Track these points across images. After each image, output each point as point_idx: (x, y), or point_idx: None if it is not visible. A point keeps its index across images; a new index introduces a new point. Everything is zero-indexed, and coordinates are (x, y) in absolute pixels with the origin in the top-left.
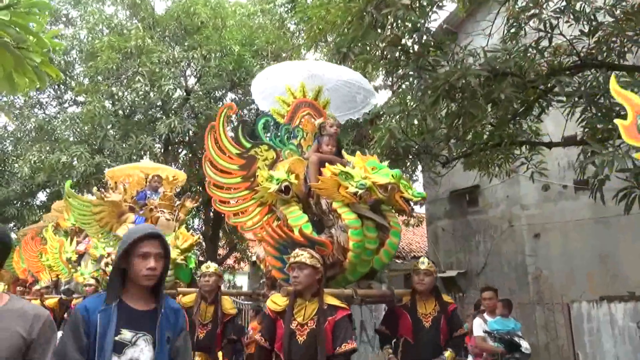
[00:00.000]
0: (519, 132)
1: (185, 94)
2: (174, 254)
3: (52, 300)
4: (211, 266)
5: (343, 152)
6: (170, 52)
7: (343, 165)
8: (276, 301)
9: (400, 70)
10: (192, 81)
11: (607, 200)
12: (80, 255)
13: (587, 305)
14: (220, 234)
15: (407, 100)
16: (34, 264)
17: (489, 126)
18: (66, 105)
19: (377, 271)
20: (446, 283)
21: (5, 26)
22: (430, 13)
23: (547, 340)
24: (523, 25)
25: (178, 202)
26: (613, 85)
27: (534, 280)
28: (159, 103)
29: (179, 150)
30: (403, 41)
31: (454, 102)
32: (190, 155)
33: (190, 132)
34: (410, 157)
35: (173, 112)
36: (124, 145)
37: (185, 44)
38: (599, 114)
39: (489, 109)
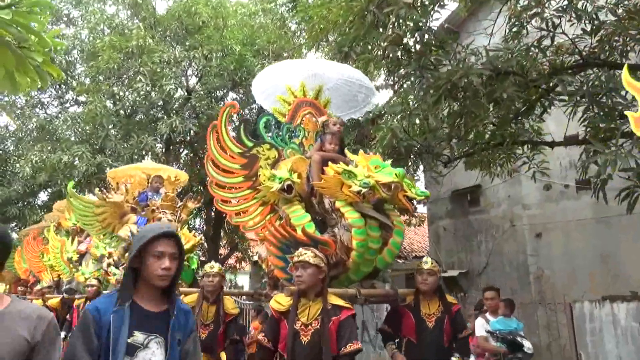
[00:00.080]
0: (521, 131)
1: (186, 93)
2: None
3: (54, 300)
4: (215, 266)
5: (346, 150)
6: (172, 52)
7: (346, 164)
8: (280, 301)
9: (402, 70)
10: (193, 81)
11: (609, 200)
12: (82, 255)
13: (589, 305)
14: (222, 234)
15: (409, 100)
16: (36, 264)
17: (491, 126)
18: (67, 105)
19: (380, 270)
20: (447, 283)
21: (7, 25)
22: (432, 12)
23: (549, 340)
24: (525, 24)
25: (180, 203)
26: (625, 76)
27: (535, 280)
28: (160, 103)
29: (181, 150)
30: (405, 40)
31: (456, 102)
32: (191, 155)
33: (192, 131)
34: (412, 156)
35: (174, 111)
36: (125, 145)
37: (187, 43)
38: (602, 113)
39: (491, 109)
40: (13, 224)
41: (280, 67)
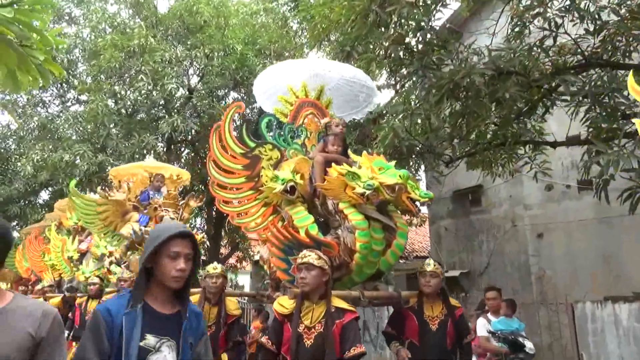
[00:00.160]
0: (523, 131)
1: (187, 92)
2: None
3: (55, 300)
4: (218, 267)
5: (349, 152)
6: (173, 51)
7: (349, 165)
8: (283, 304)
9: (404, 69)
10: (194, 80)
11: (611, 201)
12: (82, 254)
13: (591, 306)
14: (223, 233)
15: (411, 99)
16: (37, 264)
17: (493, 125)
18: (69, 104)
19: (383, 272)
20: (449, 283)
21: (9, 23)
22: (434, 11)
23: (551, 340)
24: (527, 24)
25: (182, 202)
26: (631, 82)
27: (537, 281)
28: (162, 102)
29: (182, 149)
30: (407, 40)
31: (458, 101)
32: (192, 154)
33: (193, 131)
34: (414, 156)
35: (176, 111)
36: (126, 144)
37: (188, 42)
38: (604, 114)
39: (493, 109)
40: (14, 223)
41: (281, 67)
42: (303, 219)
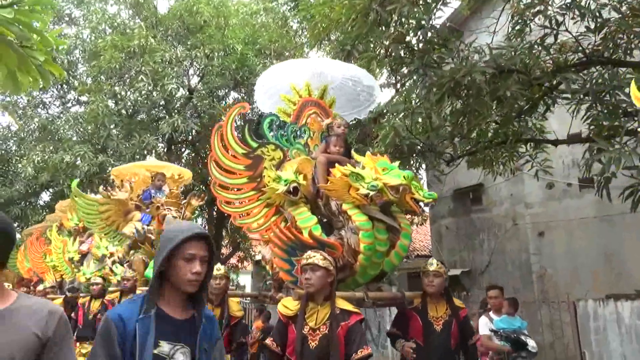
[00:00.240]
0: (524, 129)
1: (188, 93)
2: None
3: (56, 301)
4: (221, 268)
5: (353, 152)
6: (173, 51)
7: (352, 166)
8: (287, 305)
9: (404, 68)
10: (195, 80)
11: (612, 198)
12: (83, 255)
13: (593, 304)
14: (224, 233)
15: (412, 98)
16: (39, 265)
17: (494, 124)
18: (69, 105)
19: (387, 273)
20: (450, 282)
21: (9, 24)
22: (435, 10)
23: (553, 338)
24: (528, 22)
25: (184, 200)
26: (634, 91)
27: (538, 279)
28: (162, 102)
29: (182, 150)
30: (407, 38)
31: (459, 100)
32: (193, 154)
33: (194, 131)
34: (415, 155)
35: (176, 111)
36: (127, 145)
37: (188, 43)
38: (605, 111)
39: (494, 107)
40: (15, 224)
41: (284, 66)
42: (306, 220)
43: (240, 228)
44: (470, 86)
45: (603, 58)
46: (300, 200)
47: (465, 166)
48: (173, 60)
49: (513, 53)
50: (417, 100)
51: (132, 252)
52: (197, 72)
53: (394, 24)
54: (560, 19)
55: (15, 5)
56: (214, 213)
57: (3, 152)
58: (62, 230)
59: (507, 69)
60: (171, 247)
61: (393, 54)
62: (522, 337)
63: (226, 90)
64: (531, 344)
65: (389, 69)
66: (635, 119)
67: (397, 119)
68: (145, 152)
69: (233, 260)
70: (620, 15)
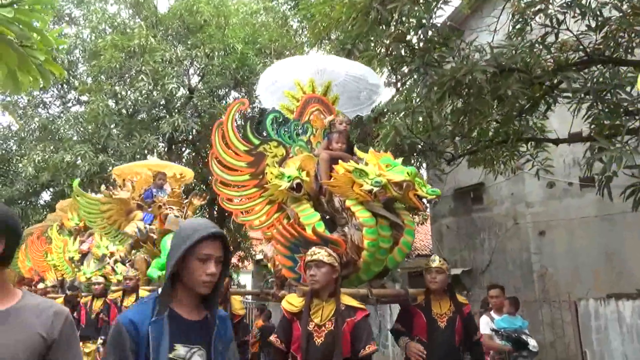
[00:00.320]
0: (525, 128)
1: (188, 92)
2: None
3: (57, 300)
4: None
5: (355, 149)
6: (174, 51)
7: (355, 163)
8: (292, 302)
9: (405, 67)
10: (195, 80)
11: (614, 197)
12: (84, 255)
13: (594, 303)
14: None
15: (412, 97)
16: (40, 264)
17: (495, 123)
18: (70, 104)
19: (390, 270)
20: (451, 281)
21: (9, 23)
22: (435, 9)
23: (554, 338)
24: (529, 20)
25: (186, 200)
26: None
27: (539, 278)
28: (163, 102)
29: (183, 149)
30: (408, 37)
31: (460, 99)
32: (193, 154)
33: (194, 130)
34: (415, 154)
35: (176, 110)
36: (127, 144)
37: (189, 42)
38: (606, 110)
39: (495, 106)
40: None
41: (288, 63)
42: (309, 217)
43: (241, 227)
44: (471, 85)
45: (604, 57)
46: (303, 197)
47: (466, 165)
48: (173, 60)
49: (514, 52)
50: (418, 99)
51: (134, 251)
52: (198, 72)
53: (394, 23)
54: (561, 17)
55: (15, 5)
56: (215, 212)
57: (4, 151)
58: (63, 229)
59: (508, 68)
60: (186, 248)
61: (394, 52)
62: (523, 337)
63: (226, 90)
64: (532, 343)
65: (389, 68)
66: (637, 117)
67: (397, 118)
68: (146, 152)
69: (234, 260)
70: (621, 14)
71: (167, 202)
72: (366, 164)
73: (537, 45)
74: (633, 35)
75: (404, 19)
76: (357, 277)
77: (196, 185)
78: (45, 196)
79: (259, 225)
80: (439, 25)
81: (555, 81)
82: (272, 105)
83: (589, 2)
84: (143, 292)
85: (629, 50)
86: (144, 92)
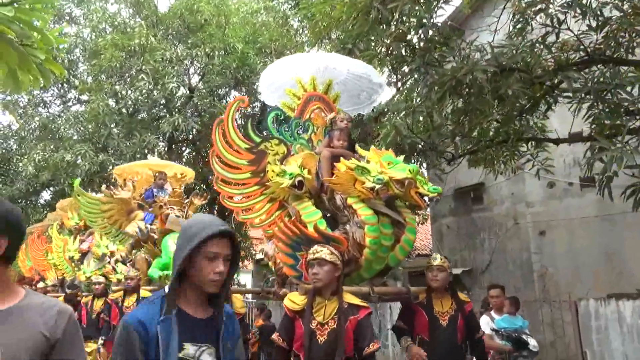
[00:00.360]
0: (525, 128)
1: (188, 92)
2: None
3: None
4: None
5: (357, 146)
6: (174, 50)
7: (357, 160)
8: (294, 300)
9: (405, 67)
10: (195, 79)
11: (614, 197)
12: (84, 254)
13: (594, 303)
14: None
15: (413, 97)
16: (40, 263)
17: (495, 123)
18: (70, 103)
19: (391, 268)
20: (452, 279)
21: (9, 22)
22: (436, 8)
23: (554, 338)
24: (530, 20)
25: (187, 199)
26: None
27: (539, 278)
28: (163, 101)
29: (183, 149)
30: (409, 37)
31: (461, 98)
32: (194, 153)
33: (194, 130)
34: (416, 154)
35: (177, 110)
36: (127, 144)
37: (189, 41)
38: (607, 110)
39: (496, 105)
40: None
41: (289, 60)
42: (311, 214)
43: (241, 227)
44: (471, 85)
45: (605, 56)
46: (305, 194)
47: (466, 165)
48: (173, 59)
49: (514, 51)
50: (418, 99)
51: (134, 251)
52: (198, 71)
53: (395, 23)
54: (561, 17)
55: (15, 4)
56: (215, 212)
57: (4, 151)
58: (63, 229)
59: (508, 68)
60: (193, 246)
61: (394, 52)
62: (524, 337)
63: (227, 89)
64: (532, 343)
65: (390, 67)
66: (637, 117)
67: (398, 117)
68: (146, 151)
69: None
70: (621, 14)
71: (168, 202)
72: (368, 161)
73: (537, 45)
74: (634, 35)
75: (404, 18)
76: (358, 275)
77: (197, 184)
78: (46, 195)
79: (259, 224)
80: (439, 24)
81: (556, 81)
82: (274, 102)
83: (590, 2)
84: (144, 292)
85: (630, 50)
86: (144, 91)
